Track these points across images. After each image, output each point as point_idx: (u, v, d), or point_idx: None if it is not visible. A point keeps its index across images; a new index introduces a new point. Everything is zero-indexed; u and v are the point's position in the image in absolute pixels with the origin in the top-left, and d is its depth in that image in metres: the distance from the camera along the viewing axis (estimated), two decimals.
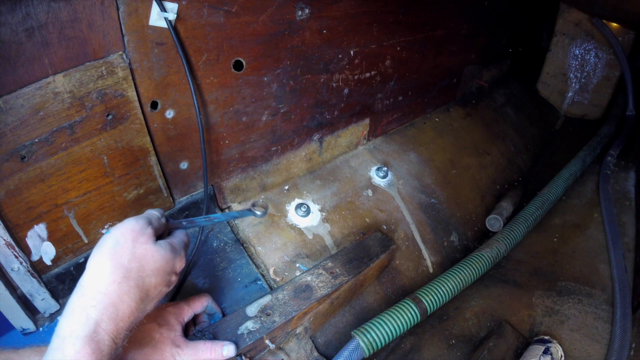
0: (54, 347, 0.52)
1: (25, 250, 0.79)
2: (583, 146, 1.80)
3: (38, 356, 0.62)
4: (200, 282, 0.97)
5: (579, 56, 2.15)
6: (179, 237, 0.71)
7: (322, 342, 1.00)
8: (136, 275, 0.59)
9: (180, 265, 0.68)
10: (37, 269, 0.83)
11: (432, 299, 1.03)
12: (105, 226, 0.90)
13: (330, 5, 1.06)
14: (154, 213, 0.69)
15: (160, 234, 0.69)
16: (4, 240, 0.74)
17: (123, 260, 0.59)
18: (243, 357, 0.80)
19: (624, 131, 1.92)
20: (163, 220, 0.70)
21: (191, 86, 0.86)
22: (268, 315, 0.84)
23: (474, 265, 1.17)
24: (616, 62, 2.06)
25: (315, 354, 0.94)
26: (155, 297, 0.64)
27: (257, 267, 1.04)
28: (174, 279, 0.68)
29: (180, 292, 0.95)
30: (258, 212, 0.88)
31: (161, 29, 0.79)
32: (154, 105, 0.87)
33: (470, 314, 1.12)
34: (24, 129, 0.70)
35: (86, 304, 0.54)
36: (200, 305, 0.82)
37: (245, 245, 1.08)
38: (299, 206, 1.16)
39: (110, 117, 0.80)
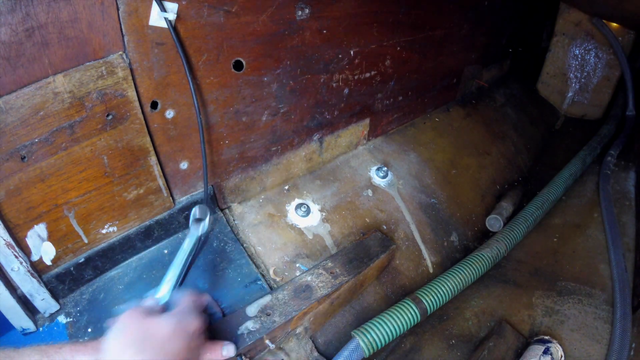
0: None
1: (25, 250, 0.80)
2: (583, 146, 1.80)
3: (38, 355, 0.63)
4: (200, 282, 0.97)
5: (579, 56, 2.15)
6: (181, 304, 0.73)
7: (322, 342, 1.00)
8: (152, 345, 0.62)
9: (194, 326, 0.69)
10: (37, 269, 0.83)
11: (432, 299, 1.03)
12: (105, 226, 0.90)
13: (330, 5, 1.06)
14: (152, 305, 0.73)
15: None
16: (4, 240, 0.74)
17: (133, 337, 0.62)
18: (243, 357, 0.80)
19: (624, 131, 1.92)
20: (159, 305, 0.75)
21: (191, 86, 0.86)
22: (268, 315, 0.84)
23: (474, 265, 1.17)
24: (616, 62, 2.05)
25: (315, 354, 0.94)
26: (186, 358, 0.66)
27: (257, 267, 1.04)
28: (196, 341, 0.69)
29: None
30: (199, 230, 0.90)
31: (161, 29, 0.79)
32: (154, 105, 0.87)
33: (470, 314, 1.12)
34: (24, 129, 0.70)
35: None
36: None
37: (245, 245, 1.08)
38: (299, 206, 1.16)
39: (110, 117, 0.80)
